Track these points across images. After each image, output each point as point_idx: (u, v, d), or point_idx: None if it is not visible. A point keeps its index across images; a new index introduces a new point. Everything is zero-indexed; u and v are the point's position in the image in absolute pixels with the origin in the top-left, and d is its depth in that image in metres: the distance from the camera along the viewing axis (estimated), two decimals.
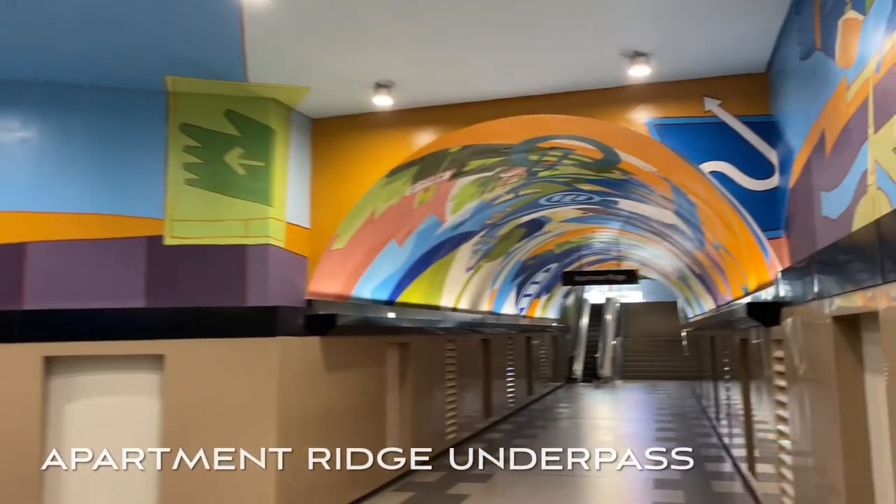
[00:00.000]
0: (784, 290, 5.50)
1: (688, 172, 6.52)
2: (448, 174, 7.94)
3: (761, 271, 6.75)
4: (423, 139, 6.96)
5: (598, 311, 30.92)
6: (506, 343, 16.13)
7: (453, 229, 9.86)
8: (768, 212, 5.85)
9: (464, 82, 6.33)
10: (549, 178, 9.23)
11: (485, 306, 14.47)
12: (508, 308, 16.73)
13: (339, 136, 7.21)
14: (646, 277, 21.53)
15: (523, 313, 18.64)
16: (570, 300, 27.56)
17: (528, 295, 18.43)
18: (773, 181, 5.82)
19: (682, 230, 9.91)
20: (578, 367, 26.87)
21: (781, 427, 5.97)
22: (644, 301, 35.40)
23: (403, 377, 9.84)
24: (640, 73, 5.92)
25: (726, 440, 11.20)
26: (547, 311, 22.03)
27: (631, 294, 36.48)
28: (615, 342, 28.56)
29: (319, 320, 7.06)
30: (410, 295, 9.98)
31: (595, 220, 12.76)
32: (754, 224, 5.98)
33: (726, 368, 10.92)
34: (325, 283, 7.46)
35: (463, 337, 12.48)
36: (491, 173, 8.46)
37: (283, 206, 6.70)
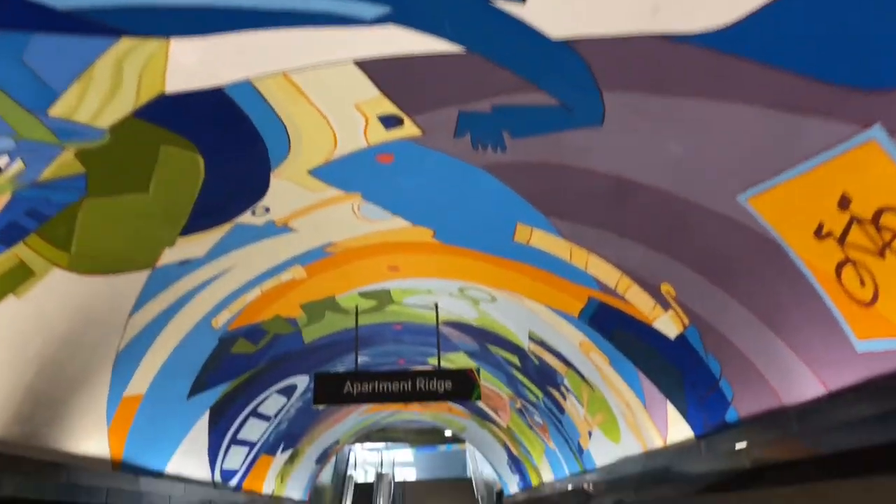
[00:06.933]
0: None
1: None
2: None
3: None
4: None
5: (366, 492, 21.66)
6: None
7: None
8: None
9: None
10: None
11: (86, 444, 5.05)
12: (191, 464, 7.28)
13: None
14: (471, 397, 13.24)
15: (233, 483, 9.13)
16: (327, 474, 18.17)
17: (247, 444, 9.11)
18: None
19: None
20: None
21: None
22: (425, 479, 26.71)
23: None
24: None
25: None
26: (287, 484, 12.48)
27: (405, 470, 27.75)
28: None
29: None
30: None
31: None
32: None
33: None
34: None
35: None
36: None
37: None
